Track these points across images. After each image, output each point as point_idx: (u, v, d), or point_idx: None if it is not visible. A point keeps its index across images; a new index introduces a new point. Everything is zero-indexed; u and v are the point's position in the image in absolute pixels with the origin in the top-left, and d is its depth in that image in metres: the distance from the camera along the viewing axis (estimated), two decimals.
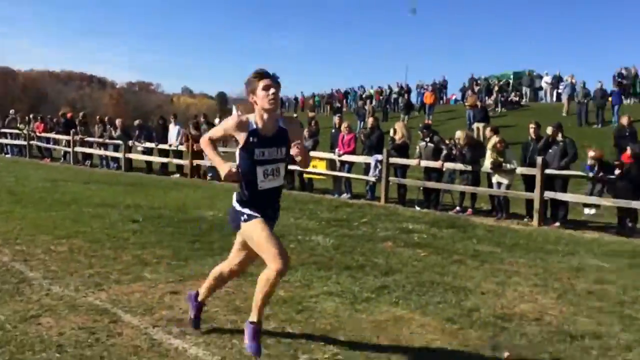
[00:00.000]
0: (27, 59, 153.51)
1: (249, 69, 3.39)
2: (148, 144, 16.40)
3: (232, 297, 4.54)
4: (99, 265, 5.37)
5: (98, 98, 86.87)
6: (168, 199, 10.13)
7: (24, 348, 3.40)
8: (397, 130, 11.81)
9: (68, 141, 18.46)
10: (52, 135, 19.74)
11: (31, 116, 22.43)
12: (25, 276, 4.96)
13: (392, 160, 11.15)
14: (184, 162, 15.53)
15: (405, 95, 29.92)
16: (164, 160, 16.20)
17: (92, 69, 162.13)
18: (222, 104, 35.86)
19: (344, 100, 35.80)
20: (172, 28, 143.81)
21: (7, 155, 21.29)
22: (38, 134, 20.08)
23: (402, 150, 11.49)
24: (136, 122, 18.00)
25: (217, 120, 16.64)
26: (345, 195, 11.90)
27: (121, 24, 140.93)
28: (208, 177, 14.62)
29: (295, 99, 41.30)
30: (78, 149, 18.18)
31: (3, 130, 21.87)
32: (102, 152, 17.71)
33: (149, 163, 16.55)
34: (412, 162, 11.23)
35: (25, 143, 20.44)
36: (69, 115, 20.70)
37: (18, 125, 21.38)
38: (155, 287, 4.75)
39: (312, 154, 11.70)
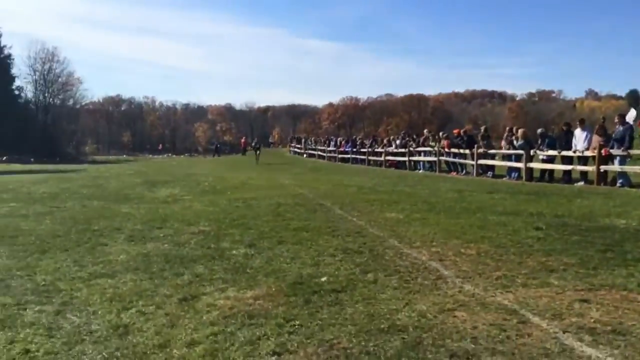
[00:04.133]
0: (437, 83, 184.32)
1: None
2: (551, 152, 16.20)
3: None
4: (505, 269, 5.58)
5: (498, 112, 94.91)
6: (573, 207, 9.92)
7: (443, 335, 3.81)
8: None
9: (472, 154, 19.40)
10: (457, 150, 21.07)
11: (440, 134, 24.19)
12: (441, 274, 5.46)
13: None
14: (590, 168, 14.97)
15: None
16: (567, 167, 15.75)
17: (493, 84, 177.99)
18: (634, 103, 34.72)
19: None
20: (569, 33, 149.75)
21: (419, 171, 23.77)
22: (446, 150, 21.39)
23: None
24: (539, 131, 17.85)
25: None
26: None
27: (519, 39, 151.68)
28: (617, 184, 13.98)
29: None
30: (481, 161, 18.97)
31: (417, 149, 24.94)
32: (503, 163, 18.20)
33: (550, 172, 16.38)
34: None
35: (435, 159, 22.60)
36: (463, 131, 22.35)
37: (430, 143, 24.04)
38: (562, 294, 4.73)
39: None
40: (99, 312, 4.43)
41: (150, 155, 79.24)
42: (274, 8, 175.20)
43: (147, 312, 4.43)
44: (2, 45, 61.48)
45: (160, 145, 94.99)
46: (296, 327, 4.02)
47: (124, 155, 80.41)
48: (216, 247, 6.84)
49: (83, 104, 79.46)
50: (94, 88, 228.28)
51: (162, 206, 11.13)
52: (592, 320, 4.02)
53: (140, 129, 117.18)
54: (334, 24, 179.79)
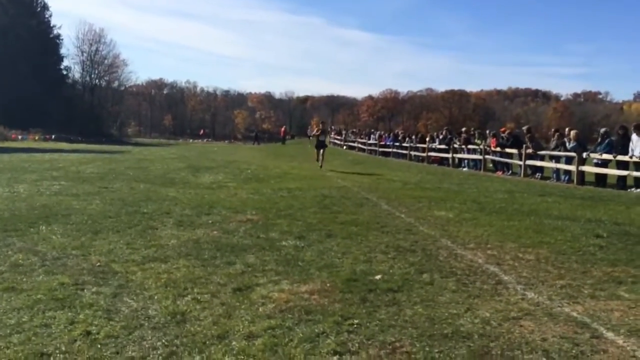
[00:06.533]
0: (478, 79, 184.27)
1: None
2: (606, 156, 15.19)
3: None
4: (569, 277, 5.37)
5: (541, 112, 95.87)
6: (633, 215, 9.45)
7: (512, 346, 3.65)
8: None
9: (520, 154, 18.57)
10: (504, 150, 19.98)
11: (487, 132, 22.96)
12: (500, 279, 5.26)
13: None
14: None
15: None
16: (623, 173, 14.76)
17: (537, 83, 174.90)
18: None
19: None
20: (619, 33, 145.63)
21: (463, 169, 22.22)
22: (492, 148, 20.57)
23: None
24: (602, 130, 16.57)
25: None
26: None
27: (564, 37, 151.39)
28: None
29: None
30: (530, 162, 18.21)
31: (463, 146, 23.09)
32: (556, 165, 17.37)
33: (602, 176, 15.50)
34: None
35: (480, 157, 21.26)
36: (508, 131, 21.34)
37: (475, 140, 22.52)
38: (635, 308, 4.49)
39: None
40: (155, 297, 4.42)
41: (191, 140, 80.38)
42: None
43: (203, 300, 4.40)
44: (52, 25, 63.08)
45: (202, 131, 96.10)
46: (355, 326, 3.91)
47: (166, 139, 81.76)
48: (265, 237, 6.80)
49: (127, 86, 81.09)
50: (138, 71, 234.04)
51: (207, 192, 11.19)
52: None
53: (181, 113, 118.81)
54: (374, 15, 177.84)
